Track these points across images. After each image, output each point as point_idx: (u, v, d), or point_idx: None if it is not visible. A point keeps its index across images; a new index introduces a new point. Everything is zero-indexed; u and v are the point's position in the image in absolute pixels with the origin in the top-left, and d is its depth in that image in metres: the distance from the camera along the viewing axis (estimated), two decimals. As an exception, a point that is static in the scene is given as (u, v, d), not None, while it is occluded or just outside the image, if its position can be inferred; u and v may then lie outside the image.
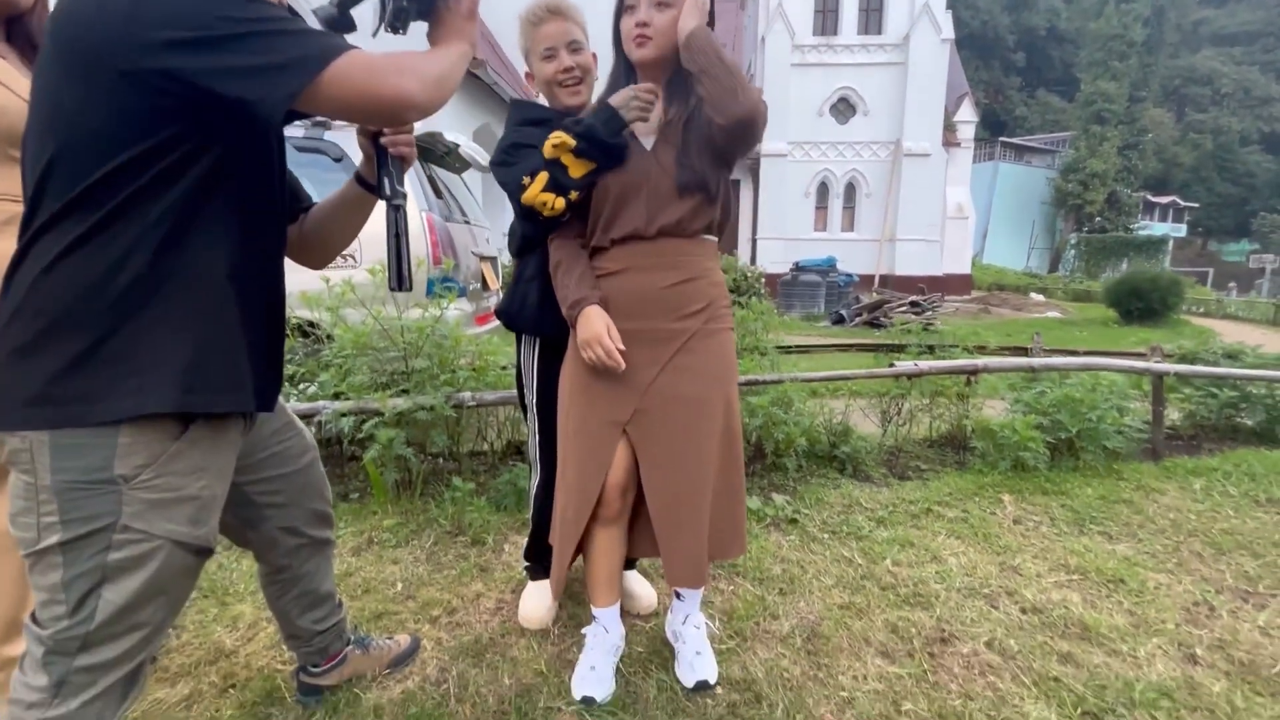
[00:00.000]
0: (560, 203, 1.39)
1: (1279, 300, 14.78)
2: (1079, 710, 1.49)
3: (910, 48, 15.16)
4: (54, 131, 0.84)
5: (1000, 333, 10.90)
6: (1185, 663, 1.68)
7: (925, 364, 2.94)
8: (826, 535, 2.35)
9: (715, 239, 1.47)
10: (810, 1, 15.50)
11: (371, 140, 1.15)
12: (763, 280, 11.04)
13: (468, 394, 2.51)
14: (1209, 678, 1.62)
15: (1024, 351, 3.76)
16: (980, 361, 2.99)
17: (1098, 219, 29.09)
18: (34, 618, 0.92)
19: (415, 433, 2.44)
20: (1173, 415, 3.80)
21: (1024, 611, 1.89)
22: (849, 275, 12.75)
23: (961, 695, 1.53)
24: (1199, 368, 3.35)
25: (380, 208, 1.20)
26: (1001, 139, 33.97)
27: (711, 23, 1.45)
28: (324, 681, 1.46)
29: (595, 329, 1.34)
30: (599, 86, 1.61)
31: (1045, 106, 46.14)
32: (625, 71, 1.43)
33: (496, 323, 4.29)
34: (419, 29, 1.10)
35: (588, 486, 1.44)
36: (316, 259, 1.27)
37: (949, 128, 17.10)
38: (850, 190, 16.11)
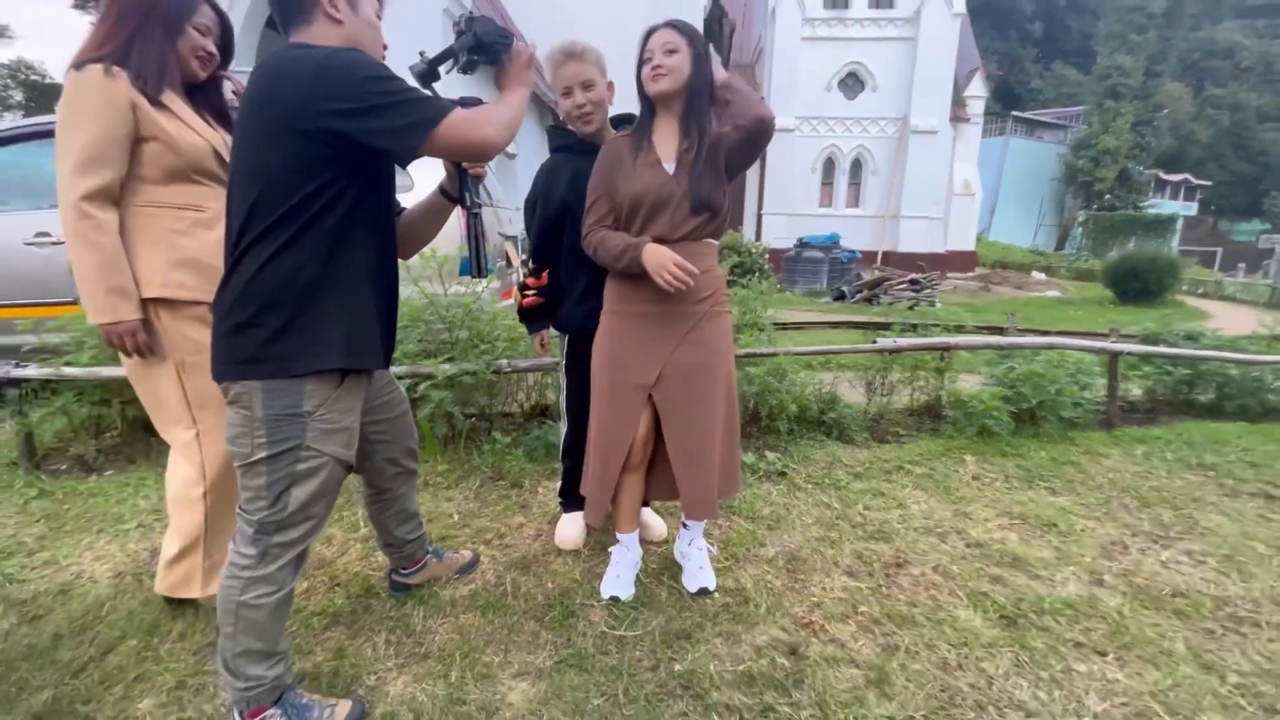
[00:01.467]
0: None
1: (1276, 281, 14.96)
2: (998, 615, 1.91)
3: (921, 22, 15.13)
4: (255, 177, 1.22)
5: (997, 310, 11.20)
6: (1092, 585, 2.10)
7: (903, 341, 3.31)
8: (810, 485, 2.76)
9: (716, 241, 1.84)
10: (822, -27, 15.43)
11: (455, 164, 1.53)
12: (766, 256, 11.33)
13: (504, 361, 2.90)
14: (1108, 596, 2.03)
15: (1000, 331, 4.11)
16: (952, 339, 3.36)
17: (1107, 196, 28.90)
18: (242, 508, 1.33)
19: (460, 394, 2.84)
20: (1135, 390, 4.18)
21: (968, 546, 2.31)
22: (852, 252, 13.01)
23: (907, 603, 1.95)
24: (1150, 348, 3.71)
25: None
26: (1013, 113, 33.57)
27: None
28: (411, 580, 1.89)
29: (662, 255, 1.64)
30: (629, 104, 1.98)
31: (1061, 79, 45.31)
32: (648, 108, 1.78)
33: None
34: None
35: (621, 439, 1.82)
36: (406, 251, 1.66)
37: (958, 103, 17.09)
38: (856, 166, 16.24)
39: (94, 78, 1.47)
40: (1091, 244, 27.69)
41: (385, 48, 1.45)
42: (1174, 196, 36.54)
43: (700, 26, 12.28)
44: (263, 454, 1.27)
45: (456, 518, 2.38)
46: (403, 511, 1.78)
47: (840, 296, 11.31)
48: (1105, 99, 28.17)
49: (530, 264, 2.07)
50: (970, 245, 19.23)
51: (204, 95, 1.67)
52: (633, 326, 1.80)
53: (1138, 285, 11.71)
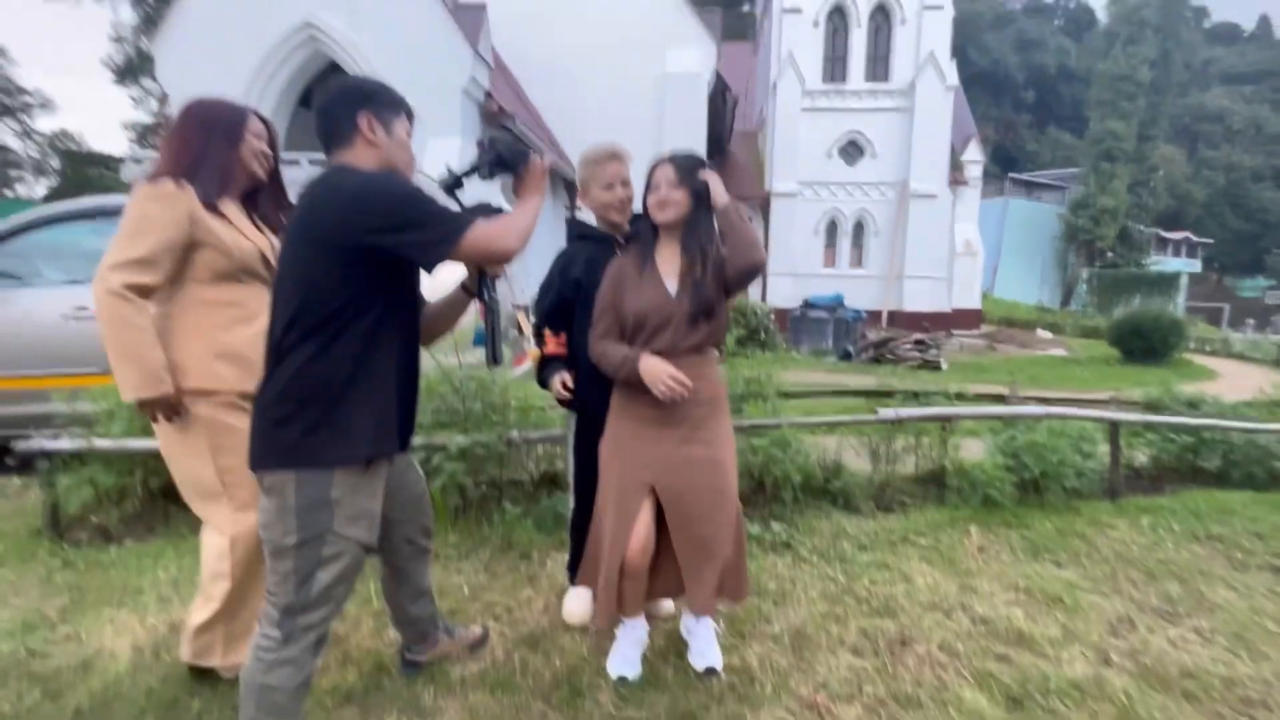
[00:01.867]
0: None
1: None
2: (1005, 696, 1.91)
3: (916, 94, 15.84)
4: (299, 287, 1.36)
5: (1004, 370, 11.24)
6: (1100, 664, 2.10)
7: (905, 411, 3.39)
8: (815, 557, 2.79)
9: (716, 351, 1.96)
10: (819, 50, 16.29)
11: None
12: (772, 317, 11.52)
13: (515, 432, 3.00)
14: (1116, 676, 2.03)
15: (1002, 398, 4.18)
16: (953, 410, 3.43)
17: (1110, 254, 29.34)
18: (270, 591, 1.40)
19: (472, 464, 2.93)
20: (1141, 457, 4.19)
21: (974, 622, 2.32)
22: (857, 312, 13.20)
23: (913, 683, 1.96)
24: (1150, 417, 3.76)
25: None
26: (1010, 175, 34.55)
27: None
28: (422, 658, 1.93)
29: (659, 368, 1.78)
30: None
31: (1056, 142, 46.79)
32: (651, 229, 1.94)
33: (530, 363, 4.81)
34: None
35: (623, 532, 1.85)
36: (427, 340, 1.79)
37: (956, 167, 17.65)
38: (859, 229, 16.67)
39: (166, 192, 1.65)
40: (1097, 300, 27.91)
41: (414, 160, 1.64)
42: (1176, 254, 36.99)
43: (703, 103, 12.95)
44: (292, 540, 1.36)
45: (467, 591, 2.43)
46: (416, 589, 1.84)
47: (846, 356, 11.42)
48: (1100, 161, 28.93)
49: (545, 331, 2.20)
50: (975, 303, 19.44)
51: (259, 199, 1.87)
52: (637, 428, 1.90)
53: (1143, 344, 11.75)
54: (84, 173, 26.06)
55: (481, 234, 1.39)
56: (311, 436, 1.35)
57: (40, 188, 29.18)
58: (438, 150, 8.73)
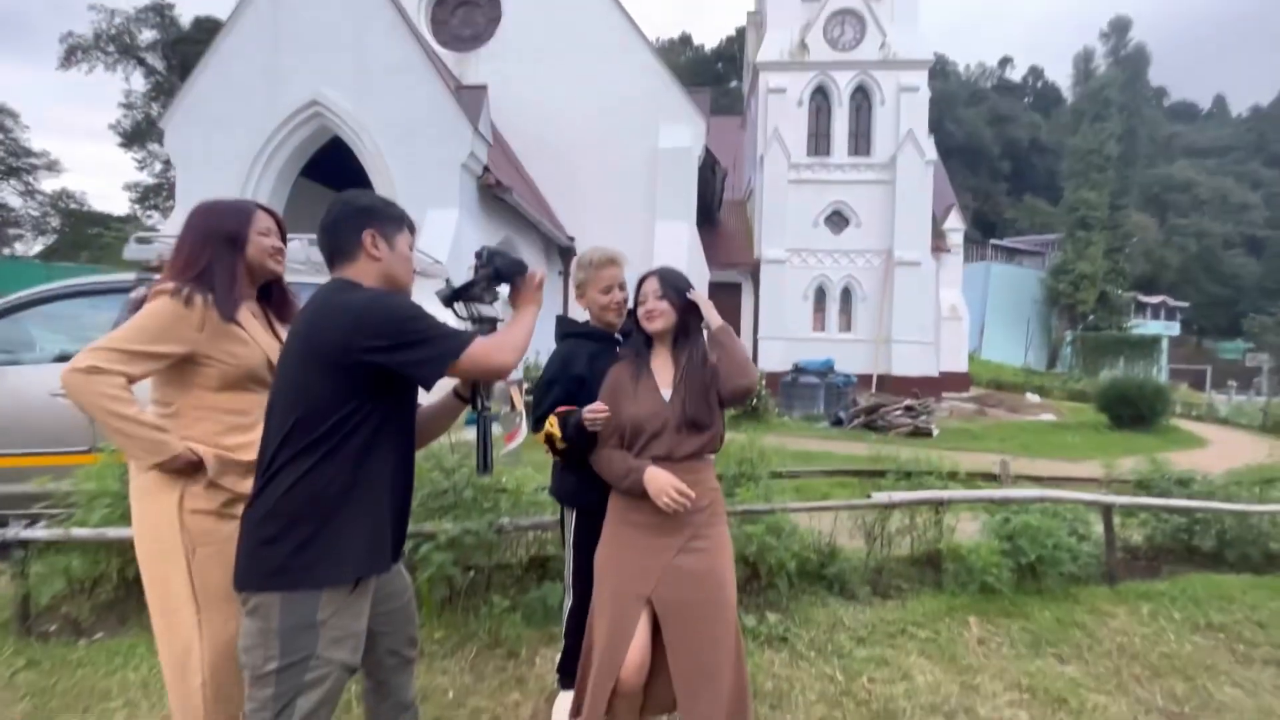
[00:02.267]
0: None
1: (1267, 405, 15.16)
2: (1013, 816, 1.83)
3: (897, 168, 16.52)
4: (295, 405, 1.38)
5: (995, 437, 11.28)
6: (1109, 776, 2.02)
7: (898, 495, 3.38)
8: (813, 653, 2.71)
9: (713, 456, 1.98)
10: (804, 126, 17.09)
11: None
12: (764, 381, 11.60)
13: (507, 519, 2.95)
14: (1127, 790, 1.95)
15: (993, 477, 4.19)
16: (946, 494, 3.43)
17: (1090, 317, 30.10)
18: (247, 717, 1.35)
19: (460, 553, 2.86)
20: (1135, 536, 4.16)
21: (977, 728, 2.24)
22: (847, 376, 13.31)
23: (917, 801, 1.88)
24: (1143, 499, 3.76)
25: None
26: (992, 241, 35.75)
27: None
28: (403, 777, 1.82)
29: (662, 480, 1.79)
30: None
31: (1033, 210, 48.61)
32: (645, 341, 2.01)
33: (522, 438, 4.79)
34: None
35: (616, 648, 1.80)
36: (418, 444, 1.78)
37: (939, 235, 18.24)
38: (846, 294, 17.02)
39: (173, 308, 1.64)
40: (1082, 363, 28.42)
41: (415, 272, 1.68)
42: (1155, 316, 37.91)
43: (694, 177, 13.45)
44: (274, 665, 1.32)
45: (451, 695, 2.33)
46: (399, 704, 1.77)
47: (838, 422, 11.44)
48: (1076, 229, 30.09)
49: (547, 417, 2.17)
50: (963, 366, 19.68)
51: (273, 294, 1.88)
52: (634, 536, 1.88)
53: (1131, 411, 11.88)
54: (83, 232, 26.38)
55: (479, 351, 1.43)
56: (300, 556, 1.33)
57: (38, 245, 29.53)
58: (436, 221, 8.95)
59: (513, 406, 4.69)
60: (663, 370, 1.96)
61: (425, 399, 1.75)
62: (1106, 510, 3.55)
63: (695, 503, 1.83)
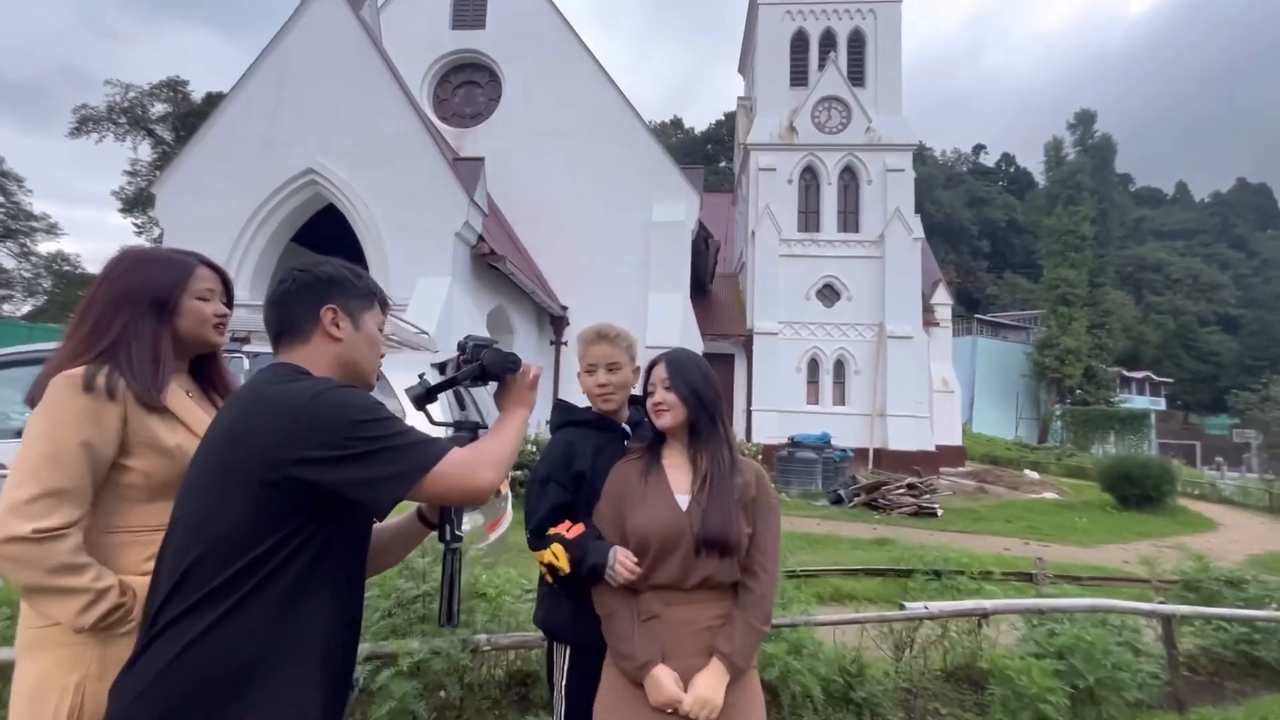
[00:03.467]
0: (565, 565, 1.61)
1: (1270, 485, 14.90)
2: None
3: (885, 244, 16.83)
4: (198, 532, 1.01)
5: (999, 518, 10.85)
6: None
7: (936, 606, 2.97)
8: (851, 812, 2.23)
9: (734, 589, 1.61)
10: (794, 203, 17.51)
11: None
12: (760, 456, 11.20)
13: (483, 637, 2.51)
14: None
15: (1028, 577, 3.79)
16: (989, 604, 3.02)
17: (1078, 391, 30.30)
18: None
19: (426, 679, 2.40)
20: (1188, 644, 3.73)
21: None
22: (844, 451, 12.95)
23: None
24: (1209, 609, 3.38)
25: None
26: (977, 316, 36.39)
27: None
28: None
29: (669, 693, 1.44)
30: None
31: (1014, 286, 49.95)
32: (656, 435, 1.68)
33: (506, 525, 4.34)
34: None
35: None
36: (368, 573, 1.39)
37: (927, 309, 18.42)
38: (839, 367, 16.91)
39: (81, 405, 1.22)
40: (1073, 437, 28.33)
41: (392, 345, 1.35)
42: (1140, 392, 38.30)
43: (687, 250, 13.55)
44: None
45: None
46: None
47: (838, 500, 10.98)
48: (1058, 305, 30.75)
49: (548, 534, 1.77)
50: (957, 439, 19.42)
51: (212, 367, 1.47)
52: (639, 696, 1.49)
53: (1136, 491, 11.54)
54: (74, 293, 26.16)
55: (455, 467, 1.07)
56: None
57: (27, 306, 29.13)
58: (427, 289, 8.76)
59: (496, 492, 4.27)
60: (678, 473, 1.61)
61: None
62: (1167, 621, 3.15)
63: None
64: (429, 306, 8.26)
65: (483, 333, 1.50)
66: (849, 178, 17.71)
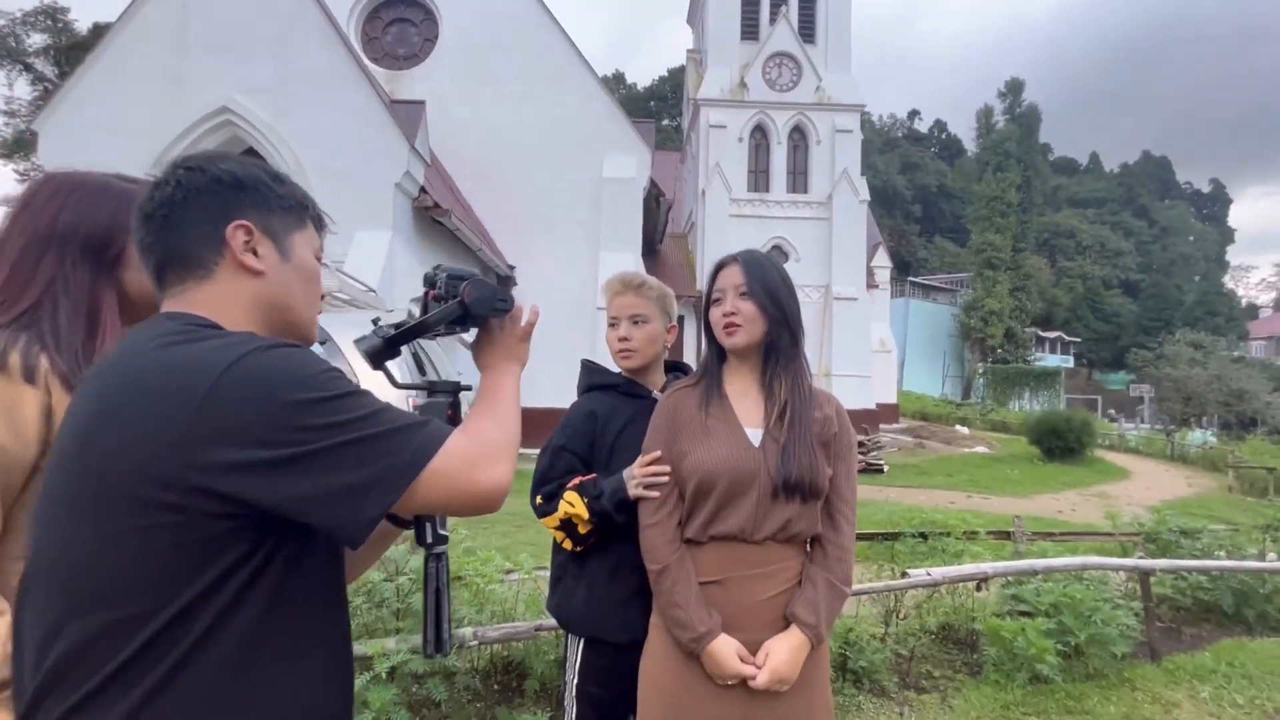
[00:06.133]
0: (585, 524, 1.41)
1: (1171, 436, 16.30)
2: None
3: (833, 206, 16.96)
4: (74, 594, 0.64)
5: (940, 472, 11.35)
6: None
7: (939, 571, 2.91)
8: (872, 793, 2.14)
9: (808, 547, 1.40)
10: (744, 163, 17.31)
11: None
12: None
13: (469, 630, 2.24)
14: None
15: (1006, 535, 3.85)
16: (989, 568, 2.99)
17: (999, 350, 32.23)
18: None
19: (405, 685, 2.12)
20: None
21: None
22: (793, 411, 13.19)
23: None
24: (1185, 562, 3.51)
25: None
26: (910, 279, 37.81)
27: None
28: None
29: (732, 668, 1.23)
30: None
31: (943, 250, 52.12)
32: (716, 355, 1.42)
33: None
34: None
35: None
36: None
37: (867, 272, 18.85)
38: (787, 328, 17.17)
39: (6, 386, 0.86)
40: (993, 393, 30.22)
41: (324, 297, 0.93)
42: (1052, 350, 41.11)
43: (639, 206, 13.14)
44: None
45: None
46: None
47: (789, 459, 11.17)
48: (984, 269, 32.32)
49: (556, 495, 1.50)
50: (892, 398, 20.24)
51: None
52: (696, 670, 1.28)
53: (1061, 444, 12.32)
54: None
55: (456, 460, 0.72)
56: None
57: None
58: (366, 242, 8.05)
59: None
60: (746, 402, 1.36)
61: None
62: (1145, 576, 3.23)
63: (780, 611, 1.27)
64: (369, 262, 7.60)
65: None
66: (798, 137, 17.61)
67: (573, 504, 1.43)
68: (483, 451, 0.76)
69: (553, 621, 2.32)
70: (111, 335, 1.01)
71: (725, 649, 1.25)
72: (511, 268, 12.44)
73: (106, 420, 0.66)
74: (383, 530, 0.97)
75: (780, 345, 1.35)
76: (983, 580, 2.98)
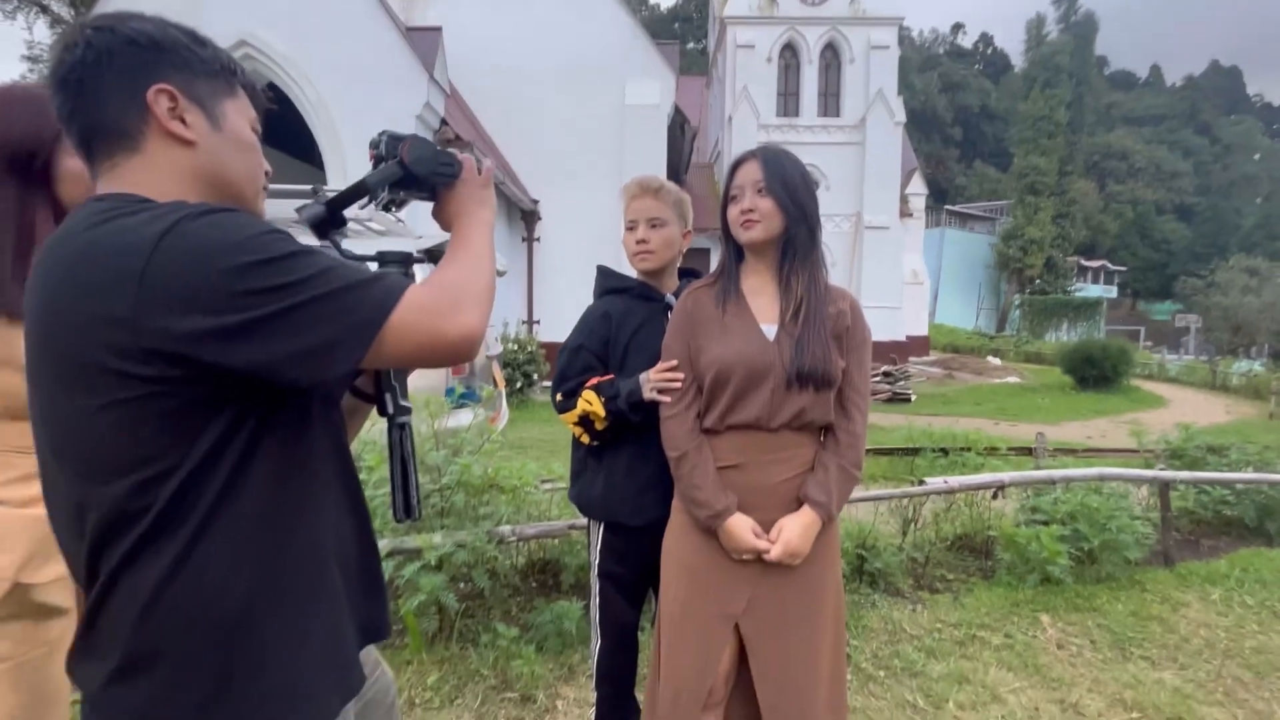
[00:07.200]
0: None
1: (1212, 364, 15.80)
2: None
3: (866, 129, 16.21)
4: (90, 468, 0.69)
5: (968, 401, 11.29)
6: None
7: (955, 480, 3.00)
8: (882, 673, 2.31)
9: (821, 436, 1.48)
10: (773, 85, 16.53)
11: None
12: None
13: (508, 528, 2.42)
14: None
15: (1028, 451, 3.89)
16: (1005, 476, 3.07)
17: (1037, 281, 31.05)
18: None
19: (452, 571, 2.32)
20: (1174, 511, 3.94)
21: (1100, 764, 1.88)
22: (820, 343, 13.11)
23: None
24: (1202, 474, 3.51)
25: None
26: (946, 207, 36.28)
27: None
28: None
29: (746, 543, 1.34)
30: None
31: (982, 176, 49.64)
32: (734, 254, 1.46)
33: (503, 423, 4.22)
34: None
35: (701, 680, 1.39)
36: None
37: (901, 199, 18.16)
38: (816, 259, 16.81)
39: None
40: (1029, 325, 29.37)
41: (268, 174, 0.89)
42: (1095, 280, 39.51)
43: (663, 135, 12.76)
44: None
45: (458, 766, 1.81)
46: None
47: (815, 390, 11.23)
48: (1026, 195, 30.74)
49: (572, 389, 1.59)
50: (923, 330, 19.92)
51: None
52: (716, 537, 1.40)
53: (1095, 372, 12.07)
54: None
55: (418, 309, 0.71)
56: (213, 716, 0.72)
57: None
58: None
59: (494, 383, 4.10)
60: (762, 299, 1.41)
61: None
62: (1164, 487, 3.27)
63: (792, 494, 1.37)
64: (305, 199, 7.62)
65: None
66: (830, 56, 16.69)
67: (590, 402, 1.53)
68: (448, 299, 0.75)
69: (584, 521, 2.50)
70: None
71: (741, 525, 1.36)
72: (535, 202, 12.34)
73: (57, 308, 0.67)
74: (350, 407, 0.99)
75: (797, 241, 1.39)
76: (999, 489, 3.06)
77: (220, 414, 0.70)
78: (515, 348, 9.58)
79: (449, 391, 3.25)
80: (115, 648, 0.70)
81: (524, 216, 12.49)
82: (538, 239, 12.55)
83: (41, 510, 1.04)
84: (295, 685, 0.77)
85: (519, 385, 9.19)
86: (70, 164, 1.05)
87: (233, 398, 0.71)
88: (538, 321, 12.02)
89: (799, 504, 1.38)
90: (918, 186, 21.27)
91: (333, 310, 0.68)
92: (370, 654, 1.05)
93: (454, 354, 0.76)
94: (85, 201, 0.73)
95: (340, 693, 0.82)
